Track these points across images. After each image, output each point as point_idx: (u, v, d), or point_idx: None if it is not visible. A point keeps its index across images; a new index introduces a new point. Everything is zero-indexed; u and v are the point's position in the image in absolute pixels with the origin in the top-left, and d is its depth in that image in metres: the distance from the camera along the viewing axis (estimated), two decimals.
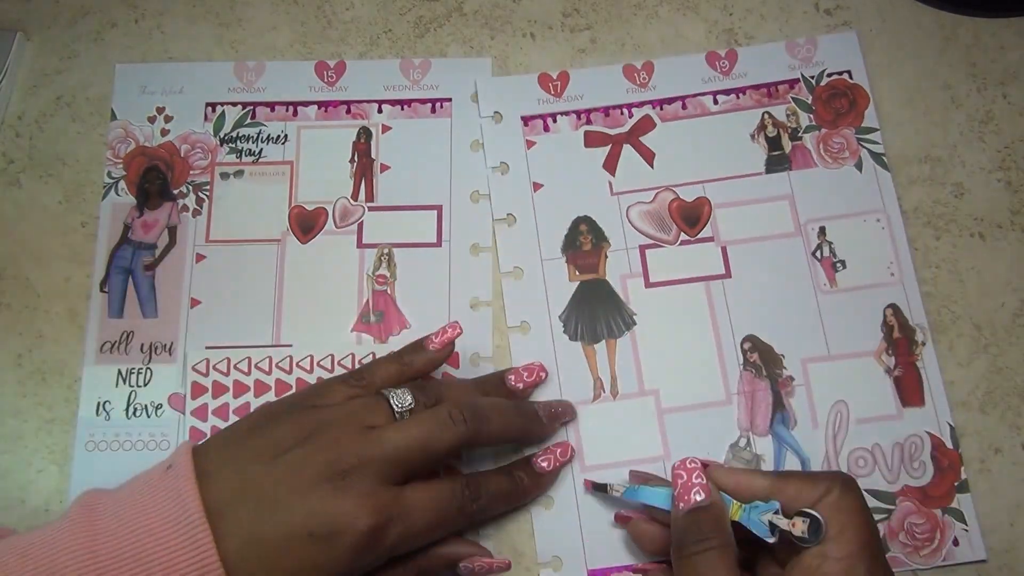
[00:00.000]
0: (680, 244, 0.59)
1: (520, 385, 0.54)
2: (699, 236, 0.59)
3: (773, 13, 0.64)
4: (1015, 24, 0.64)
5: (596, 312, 0.58)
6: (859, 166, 0.60)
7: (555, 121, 0.62)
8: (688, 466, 0.47)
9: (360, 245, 0.59)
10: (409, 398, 0.49)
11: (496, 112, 0.62)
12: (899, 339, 0.57)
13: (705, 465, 0.49)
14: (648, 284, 0.59)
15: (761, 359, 0.57)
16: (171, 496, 0.43)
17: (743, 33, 0.64)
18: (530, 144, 0.62)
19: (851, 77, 0.62)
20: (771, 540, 0.45)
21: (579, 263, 0.59)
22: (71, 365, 0.58)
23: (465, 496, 0.49)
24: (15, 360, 0.58)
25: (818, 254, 0.59)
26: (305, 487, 0.44)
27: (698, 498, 0.46)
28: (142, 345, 0.57)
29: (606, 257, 0.59)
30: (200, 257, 0.59)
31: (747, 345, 0.57)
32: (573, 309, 0.58)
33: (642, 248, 0.59)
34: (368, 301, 0.58)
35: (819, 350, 0.57)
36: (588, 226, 0.60)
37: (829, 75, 0.62)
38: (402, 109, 0.62)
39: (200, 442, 0.48)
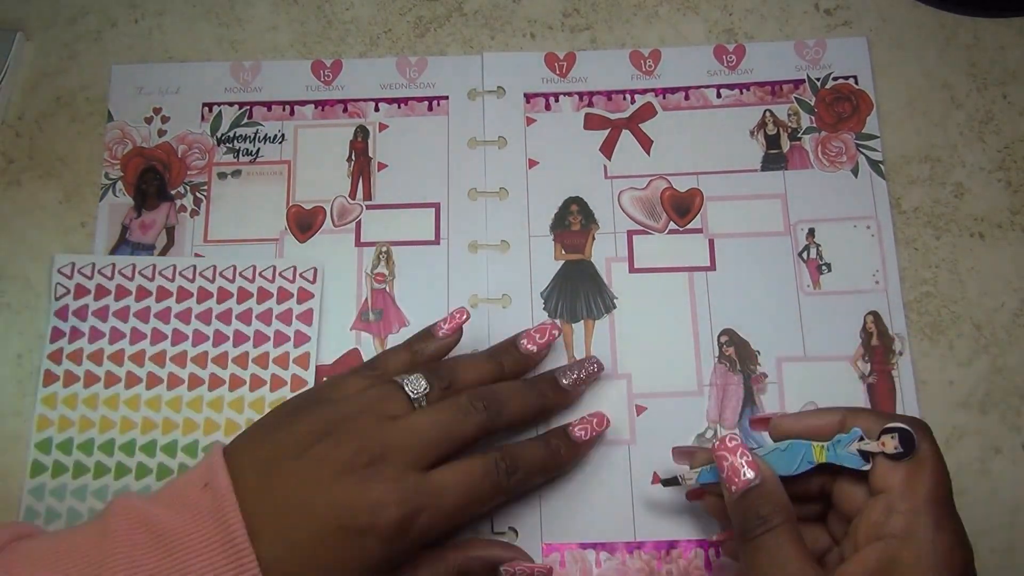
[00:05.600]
0: (668, 233, 0.60)
1: (533, 348, 0.53)
2: (688, 227, 0.60)
3: (773, 13, 0.64)
4: (1015, 24, 0.63)
5: (578, 291, 0.58)
6: (855, 171, 0.60)
7: (557, 101, 0.62)
8: (729, 444, 0.45)
9: (358, 243, 0.59)
10: (423, 383, 0.49)
11: (499, 86, 0.63)
12: (876, 347, 0.57)
13: (766, 420, 0.48)
14: (632, 269, 0.59)
15: (736, 353, 0.57)
16: (213, 517, 0.43)
17: (743, 33, 0.64)
18: (530, 121, 0.62)
19: (857, 83, 0.62)
20: (866, 467, 0.44)
21: (566, 242, 0.59)
22: None
23: (500, 471, 0.48)
24: (15, 360, 0.58)
25: (804, 255, 0.59)
26: (330, 481, 0.44)
27: (749, 476, 0.44)
28: None
29: (593, 239, 0.59)
30: (198, 257, 0.59)
31: (724, 338, 0.57)
32: (555, 287, 0.59)
33: (630, 233, 0.60)
34: (367, 299, 0.58)
35: (795, 350, 0.57)
36: (579, 207, 0.60)
37: (835, 79, 0.62)
38: (399, 107, 0.62)
39: (229, 444, 0.47)
